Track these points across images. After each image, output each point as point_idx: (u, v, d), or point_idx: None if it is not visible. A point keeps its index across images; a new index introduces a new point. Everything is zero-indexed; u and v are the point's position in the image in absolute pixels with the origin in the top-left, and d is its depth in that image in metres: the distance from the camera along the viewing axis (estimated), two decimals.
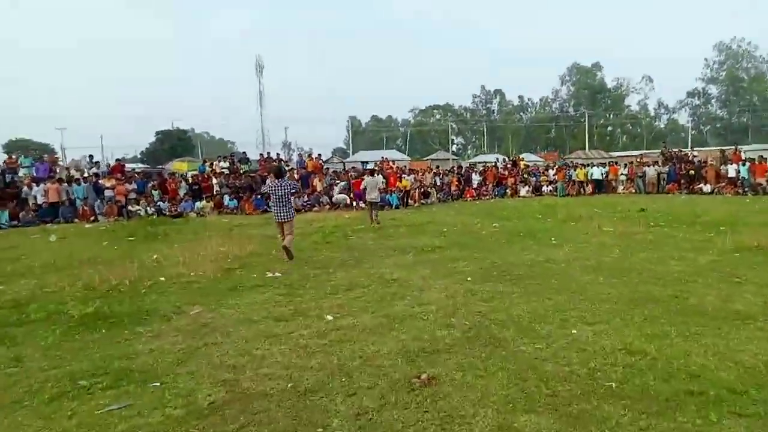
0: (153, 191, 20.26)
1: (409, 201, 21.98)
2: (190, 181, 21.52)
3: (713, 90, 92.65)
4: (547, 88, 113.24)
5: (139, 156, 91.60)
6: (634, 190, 25.10)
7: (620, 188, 26.08)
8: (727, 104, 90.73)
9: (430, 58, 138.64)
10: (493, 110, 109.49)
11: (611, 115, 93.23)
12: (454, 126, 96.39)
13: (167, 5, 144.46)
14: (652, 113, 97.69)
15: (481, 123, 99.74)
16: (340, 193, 21.46)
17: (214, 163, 23.57)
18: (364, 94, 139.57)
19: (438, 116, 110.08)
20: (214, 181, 21.07)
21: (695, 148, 29.30)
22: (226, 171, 22.70)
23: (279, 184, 9.17)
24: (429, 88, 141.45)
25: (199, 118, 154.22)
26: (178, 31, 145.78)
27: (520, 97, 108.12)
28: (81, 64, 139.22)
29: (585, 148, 67.91)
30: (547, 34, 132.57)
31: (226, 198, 20.48)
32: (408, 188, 21.97)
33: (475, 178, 26.08)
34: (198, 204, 19.81)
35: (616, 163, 27.28)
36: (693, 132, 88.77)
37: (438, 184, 24.81)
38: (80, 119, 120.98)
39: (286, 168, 23.93)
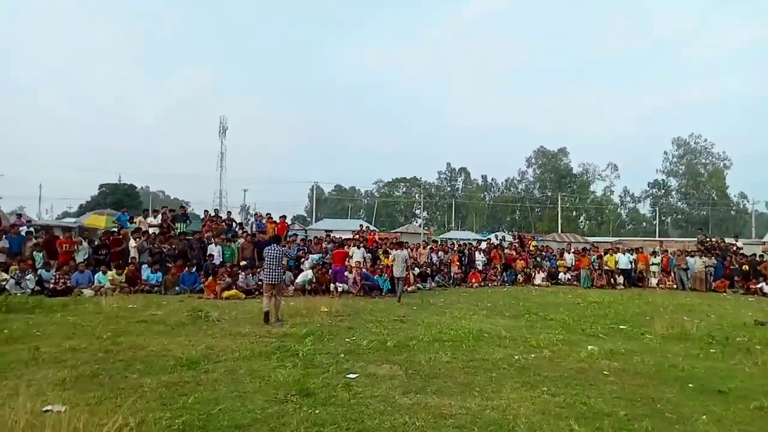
0: (35, 254, 13.74)
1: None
2: (98, 242, 15.13)
3: (673, 182, 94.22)
4: (512, 170, 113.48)
5: (77, 210, 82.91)
6: (675, 286, 20.29)
7: (653, 281, 21.26)
8: (687, 197, 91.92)
9: (393, 132, 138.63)
10: (458, 188, 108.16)
11: (576, 200, 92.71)
12: (419, 199, 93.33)
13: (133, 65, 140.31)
14: (617, 200, 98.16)
15: (449, 199, 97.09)
16: (311, 267, 15.50)
17: (139, 219, 17.27)
18: (327, 162, 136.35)
19: (404, 189, 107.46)
20: (132, 243, 14.74)
21: (738, 239, 25.15)
22: (155, 231, 16.45)
23: (273, 248, 10.02)
24: (392, 162, 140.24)
25: (157, 178, 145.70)
26: (138, 86, 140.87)
27: (483, 177, 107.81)
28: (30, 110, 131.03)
29: (558, 231, 65.02)
30: (514, 116, 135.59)
31: (146, 269, 14.14)
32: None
33: (479, 258, 20.73)
34: (100, 277, 13.36)
35: (641, 249, 22.71)
36: (655, 222, 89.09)
37: (434, 262, 19.29)
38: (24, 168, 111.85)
39: (240, 231, 18.06)
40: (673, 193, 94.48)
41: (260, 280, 14.13)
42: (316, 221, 71.77)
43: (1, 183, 64.37)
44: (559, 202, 76.94)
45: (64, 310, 10.12)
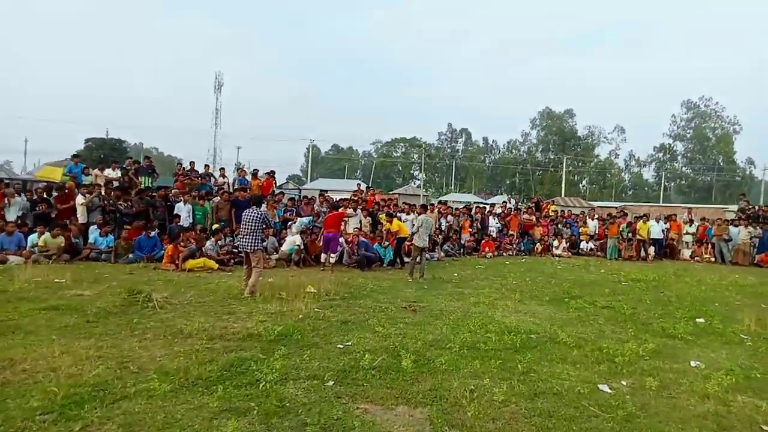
0: None
1: (404, 256, 13.57)
2: (35, 196, 12.40)
3: (679, 147, 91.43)
4: (515, 132, 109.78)
5: None
6: (713, 259, 17.88)
7: (686, 252, 18.88)
8: (692, 162, 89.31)
9: (394, 92, 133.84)
10: (458, 149, 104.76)
11: (579, 164, 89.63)
12: (418, 160, 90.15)
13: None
14: (623, 165, 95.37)
15: (450, 160, 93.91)
16: (298, 232, 12.86)
17: (95, 171, 14.51)
18: (324, 122, 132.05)
19: (403, 150, 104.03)
20: (80, 200, 12.03)
21: None
22: (115, 184, 13.73)
23: (252, 210, 8.33)
24: (391, 123, 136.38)
25: (152, 135, 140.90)
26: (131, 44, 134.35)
27: (485, 138, 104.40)
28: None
29: (561, 195, 62.56)
30: (521, 78, 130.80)
31: (94, 231, 11.51)
32: (406, 236, 13.60)
33: (494, 224, 18.17)
34: (34, 239, 10.71)
35: (674, 216, 20.15)
36: (656, 188, 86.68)
37: (443, 229, 16.71)
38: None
39: (216, 188, 15.38)
40: (679, 158, 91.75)
41: (235, 247, 11.59)
42: (311, 181, 68.99)
43: None
44: (565, 165, 74.02)
45: None
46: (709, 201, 70.40)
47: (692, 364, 5.32)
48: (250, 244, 8.16)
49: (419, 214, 11.71)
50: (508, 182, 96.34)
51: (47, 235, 10.44)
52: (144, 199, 12.89)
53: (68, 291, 7.62)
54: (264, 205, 13.58)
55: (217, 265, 10.83)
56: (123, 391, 3.91)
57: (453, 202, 33.75)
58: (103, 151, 71.10)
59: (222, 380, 4.17)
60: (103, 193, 12.71)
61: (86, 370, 4.26)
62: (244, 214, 8.41)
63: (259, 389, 4.00)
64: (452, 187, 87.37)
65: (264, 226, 8.51)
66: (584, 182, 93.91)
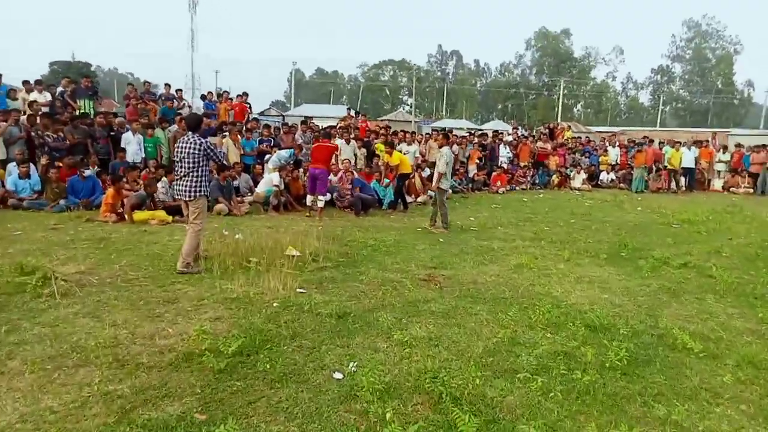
0: None
1: (407, 195, 11.24)
2: None
3: (678, 69, 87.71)
4: (509, 54, 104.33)
5: None
6: (752, 190, 15.85)
7: (717, 183, 16.86)
8: (690, 84, 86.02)
9: (382, 11, 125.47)
10: (449, 72, 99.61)
11: (574, 87, 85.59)
12: (407, 84, 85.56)
13: None
14: (620, 88, 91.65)
15: (441, 84, 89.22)
16: (276, 168, 10.33)
17: (21, 94, 11.69)
18: (308, 44, 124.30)
19: (391, 73, 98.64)
20: None
21: None
22: (44, 109, 10.97)
23: (186, 140, 5.60)
24: (379, 45, 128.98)
25: (130, 60, 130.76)
26: None
27: (476, 61, 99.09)
28: None
29: (557, 120, 59.63)
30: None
31: (12, 172, 8.97)
32: (409, 172, 11.18)
33: (504, 154, 15.79)
34: None
35: (706, 143, 17.86)
36: (652, 112, 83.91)
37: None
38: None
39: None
40: (677, 80, 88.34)
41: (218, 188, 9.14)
42: (295, 107, 64.91)
43: None
44: (561, 88, 70.36)
45: None
46: (705, 125, 68.22)
47: None
48: (186, 188, 5.55)
49: (441, 146, 9.01)
50: (500, 107, 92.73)
51: None
52: (80, 128, 10.24)
53: None
54: (228, 135, 11.11)
55: (171, 218, 8.36)
56: None
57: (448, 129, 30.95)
58: (70, 76, 66.00)
59: None
60: (25, 120, 10.00)
61: None
62: (176, 145, 5.85)
63: None
64: (443, 112, 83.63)
65: (208, 156, 5.63)
66: (579, 106, 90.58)
